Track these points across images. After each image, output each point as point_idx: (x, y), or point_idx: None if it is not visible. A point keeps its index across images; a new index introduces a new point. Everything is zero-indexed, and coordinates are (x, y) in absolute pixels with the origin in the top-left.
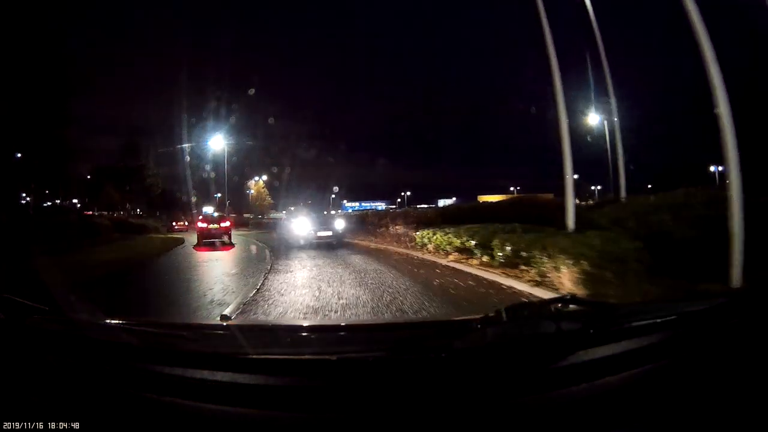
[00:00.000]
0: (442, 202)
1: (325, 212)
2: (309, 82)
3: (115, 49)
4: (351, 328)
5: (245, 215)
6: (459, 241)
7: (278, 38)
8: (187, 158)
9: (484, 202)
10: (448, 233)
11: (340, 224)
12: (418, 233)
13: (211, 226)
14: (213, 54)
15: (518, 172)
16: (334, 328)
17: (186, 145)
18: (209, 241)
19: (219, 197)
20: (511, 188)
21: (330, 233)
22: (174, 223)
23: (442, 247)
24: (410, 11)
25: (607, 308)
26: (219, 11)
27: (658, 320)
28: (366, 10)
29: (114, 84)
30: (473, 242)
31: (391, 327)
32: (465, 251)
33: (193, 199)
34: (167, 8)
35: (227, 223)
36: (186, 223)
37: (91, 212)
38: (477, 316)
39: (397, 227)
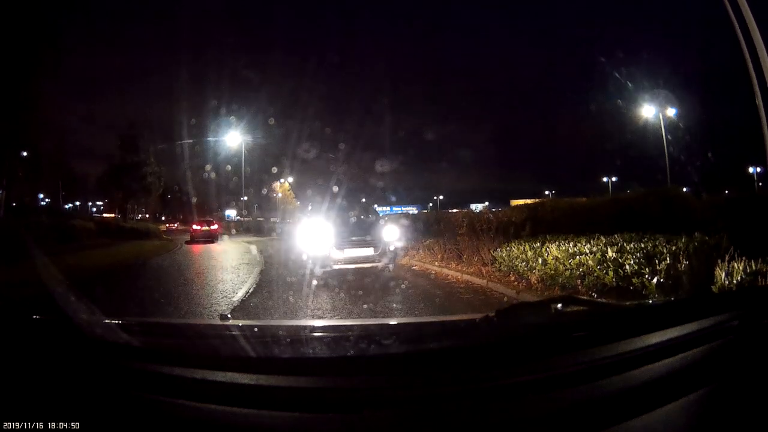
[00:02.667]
0: (474, 207)
1: (357, 215)
2: (339, 84)
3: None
4: (351, 329)
5: (272, 219)
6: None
7: (302, 34)
8: (188, 158)
9: (590, 199)
10: (580, 253)
11: (390, 234)
12: (500, 251)
13: (203, 228)
14: (231, 52)
15: (548, 176)
16: (335, 328)
17: (188, 141)
18: (201, 239)
19: (246, 200)
20: (546, 192)
21: (369, 251)
22: (167, 226)
23: (564, 279)
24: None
25: (608, 308)
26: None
27: (660, 321)
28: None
29: (135, 86)
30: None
31: (393, 327)
32: (630, 294)
33: (194, 200)
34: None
35: (215, 226)
36: (176, 225)
37: (113, 215)
38: (478, 316)
39: (460, 237)
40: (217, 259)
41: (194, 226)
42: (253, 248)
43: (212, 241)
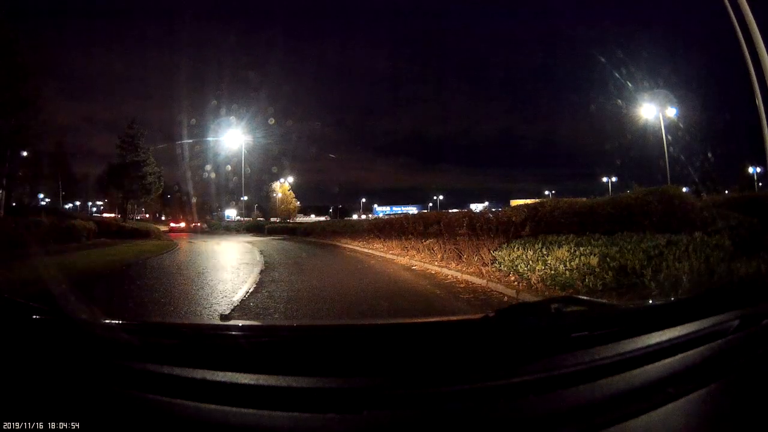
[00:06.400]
0: (474, 207)
1: None
2: (340, 85)
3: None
4: (351, 329)
5: (272, 219)
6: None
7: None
8: (188, 158)
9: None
10: (581, 254)
11: None
12: (500, 251)
13: (180, 225)
14: (231, 51)
15: (548, 176)
16: (335, 329)
17: (188, 141)
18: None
19: (245, 200)
20: (546, 192)
21: None
22: (171, 226)
23: (564, 279)
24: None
25: (608, 308)
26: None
27: (660, 321)
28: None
29: (140, 87)
30: None
31: (392, 327)
32: (630, 294)
33: (193, 200)
34: None
35: (183, 224)
36: (182, 224)
37: (113, 215)
38: (478, 316)
39: (460, 237)
40: None
41: (172, 224)
42: None
43: (186, 233)
